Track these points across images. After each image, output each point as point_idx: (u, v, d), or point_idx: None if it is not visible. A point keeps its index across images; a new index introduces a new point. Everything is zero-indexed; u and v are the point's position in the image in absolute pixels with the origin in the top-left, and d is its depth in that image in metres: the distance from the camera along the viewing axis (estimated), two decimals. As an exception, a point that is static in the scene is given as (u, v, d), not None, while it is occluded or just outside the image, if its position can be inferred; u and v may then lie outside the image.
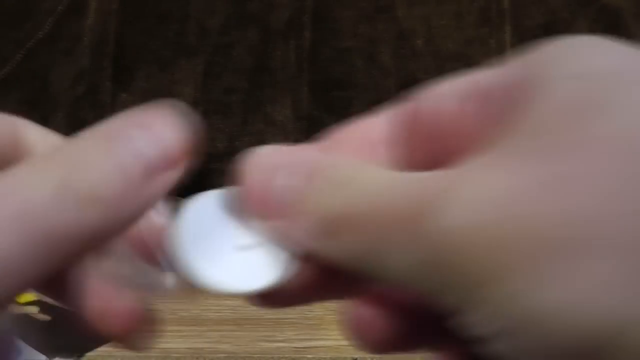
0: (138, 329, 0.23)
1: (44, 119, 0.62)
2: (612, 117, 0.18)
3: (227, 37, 0.62)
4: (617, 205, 0.17)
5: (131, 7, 0.63)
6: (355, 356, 0.37)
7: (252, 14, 0.62)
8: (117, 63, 0.62)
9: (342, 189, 0.20)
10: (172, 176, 0.22)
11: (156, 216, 0.22)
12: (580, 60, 0.20)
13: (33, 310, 0.42)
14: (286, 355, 0.37)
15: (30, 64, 0.62)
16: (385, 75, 0.61)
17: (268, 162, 0.22)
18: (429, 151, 0.22)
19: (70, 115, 0.62)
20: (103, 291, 0.23)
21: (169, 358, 0.37)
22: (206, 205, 0.22)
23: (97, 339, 0.38)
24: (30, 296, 0.43)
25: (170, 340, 0.39)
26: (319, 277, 0.22)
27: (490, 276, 0.18)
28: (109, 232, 0.20)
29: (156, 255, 0.22)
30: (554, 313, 0.17)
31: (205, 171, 0.67)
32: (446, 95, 0.22)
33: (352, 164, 0.21)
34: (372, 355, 0.38)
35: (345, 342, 0.39)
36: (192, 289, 0.20)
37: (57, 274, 0.19)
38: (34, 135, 0.23)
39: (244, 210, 0.21)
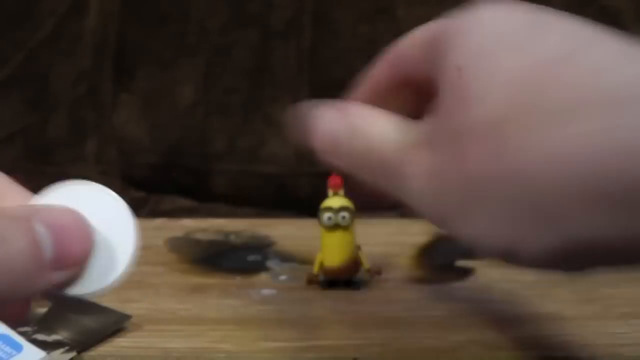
0: None
1: (44, 119, 0.62)
2: (473, 109, 0.24)
3: (227, 37, 0.62)
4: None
5: (132, 8, 0.63)
6: (356, 356, 0.37)
7: (252, 14, 0.62)
8: (117, 63, 0.63)
9: (357, 136, 0.29)
10: (64, 276, 0.25)
11: None
12: (462, 44, 0.25)
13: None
14: (286, 355, 0.37)
15: (31, 64, 0.62)
16: (386, 75, 0.61)
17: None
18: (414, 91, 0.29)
19: (71, 115, 0.62)
20: None
21: (169, 358, 0.37)
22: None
23: (98, 330, 0.38)
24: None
25: (170, 340, 0.39)
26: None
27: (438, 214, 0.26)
28: (10, 300, 0.25)
29: None
30: None
31: (205, 171, 0.67)
32: (408, 44, 0.30)
33: (362, 120, 0.29)
34: (372, 355, 0.38)
35: (345, 342, 0.39)
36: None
37: None
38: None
39: None
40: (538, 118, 0.22)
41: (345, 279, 0.43)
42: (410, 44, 0.30)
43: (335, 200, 0.42)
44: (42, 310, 0.40)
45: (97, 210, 0.25)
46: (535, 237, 0.23)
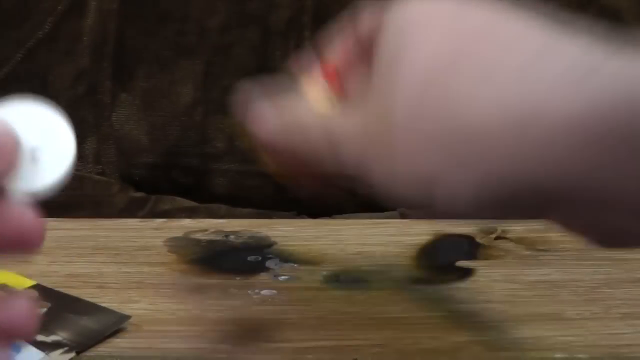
0: None
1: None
2: (400, 70, 0.28)
3: (227, 37, 0.62)
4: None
5: (131, 7, 0.63)
6: (356, 357, 0.37)
7: (252, 14, 0.62)
8: (117, 63, 0.62)
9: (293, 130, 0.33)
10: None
11: None
12: (395, 22, 0.30)
13: (33, 295, 0.42)
14: (286, 356, 0.37)
15: (30, 63, 0.62)
16: (385, 75, 0.61)
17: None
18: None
19: (70, 114, 0.62)
20: None
21: (168, 358, 0.37)
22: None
23: (98, 331, 0.38)
24: (29, 281, 0.43)
25: (170, 340, 0.39)
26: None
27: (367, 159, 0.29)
28: None
29: None
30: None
31: (205, 171, 0.67)
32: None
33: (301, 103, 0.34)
34: (372, 356, 0.38)
35: (345, 343, 0.39)
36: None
37: None
38: None
39: None
40: (459, 80, 0.27)
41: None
42: (366, 20, 0.34)
43: (319, 91, 0.35)
44: (41, 310, 0.40)
45: (33, 121, 0.28)
46: (456, 171, 0.26)
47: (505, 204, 0.27)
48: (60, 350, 0.37)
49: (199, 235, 0.51)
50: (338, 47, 0.36)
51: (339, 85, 0.35)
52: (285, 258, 0.48)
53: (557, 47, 0.26)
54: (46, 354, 0.37)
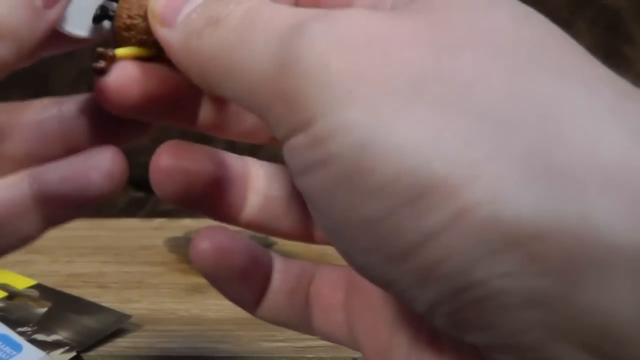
0: None
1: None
2: None
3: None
4: (445, 63, 0.19)
5: (131, 7, 0.63)
6: (355, 356, 0.37)
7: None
8: (117, 63, 0.63)
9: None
10: (56, 12, 0.25)
11: None
12: None
13: (33, 294, 0.42)
14: (286, 355, 0.37)
15: (31, 64, 0.62)
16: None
17: None
18: None
19: (71, 115, 0.62)
20: None
21: (169, 357, 0.37)
22: None
23: (97, 331, 0.38)
24: (30, 280, 0.43)
25: (171, 340, 0.39)
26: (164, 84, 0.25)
27: (332, 99, 0.18)
28: (17, 62, 0.25)
29: None
30: (389, 147, 0.18)
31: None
32: None
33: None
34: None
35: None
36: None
37: None
38: None
39: None
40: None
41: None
42: None
43: None
44: (42, 310, 0.40)
45: None
46: None
47: None
48: (61, 350, 0.37)
49: (199, 235, 0.51)
50: None
51: None
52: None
53: None
54: (47, 353, 0.37)
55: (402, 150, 0.18)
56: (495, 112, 0.18)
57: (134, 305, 0.42)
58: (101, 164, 0.26)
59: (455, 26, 0.19)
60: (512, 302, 0.18)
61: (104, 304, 0.41)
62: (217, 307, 0.42)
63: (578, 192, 0.17)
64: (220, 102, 0.27)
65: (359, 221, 0.19)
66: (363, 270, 0.20)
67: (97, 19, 0.27)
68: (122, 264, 0.47)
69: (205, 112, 0.27)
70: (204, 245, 0.26)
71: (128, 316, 0.40)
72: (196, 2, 0.22)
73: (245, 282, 0.26)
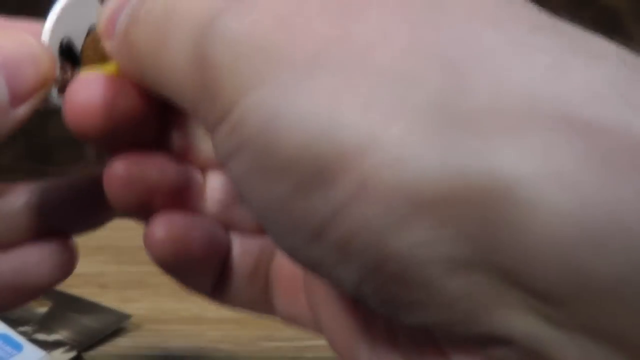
0: None
1: (45, 119, 0.62)
2: None
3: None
4: (350, 27, 0.18)
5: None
6: (355, 356, 0.37)
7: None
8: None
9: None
10: (26, 108, 0.26)
11: None
12: None
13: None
14: (286, 355, 0.37)
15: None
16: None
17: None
18: None
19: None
20: None
21: (169, 358, 0.37)
22: None
23: (98, 329, 0.38)
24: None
25: (170, 340, 0.39)
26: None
27: (243, 84, 0.18)
28: None
29: None
30: (291, 121, 0.17)
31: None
32: None
33: None
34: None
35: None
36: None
37: None
38: None
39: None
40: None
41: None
42: None
43: None
44: (42, 310, 0.40)
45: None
46: None
47: None
48: (61, 349, 0.37)
49: (199, 235, 0.51)
50: None
51: None
52: (286, 258, 0.48)
53: None
54: (47, 352, 0.37)
55: (303, 122, 0.17)
56: (395, 69, 0.17)
57: (134, 305, 0.42)
58: (53, 257, 0.27)
59: None
60: (434, 274, 0.17)
61: (104, 304, 0.41)
62: (217, 306, 0.42)
63: (483, 144, 0.16)
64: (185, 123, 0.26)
65: (275, 202, 0.18)
66: (291, 253, 0.19)
67: (63, 52, 0.27)
68: (122, 264, 0.47)
69: (176, 136, 0.26)
70: (159, 234, 0.26)
71: (128, 316, 0.40)
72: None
73: (203, 270, 0.26)
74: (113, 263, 0.47)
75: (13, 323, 0.39)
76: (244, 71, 0.18)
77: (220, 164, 0.20)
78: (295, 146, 0.17)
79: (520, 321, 0.17)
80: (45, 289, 0.27)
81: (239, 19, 0.19)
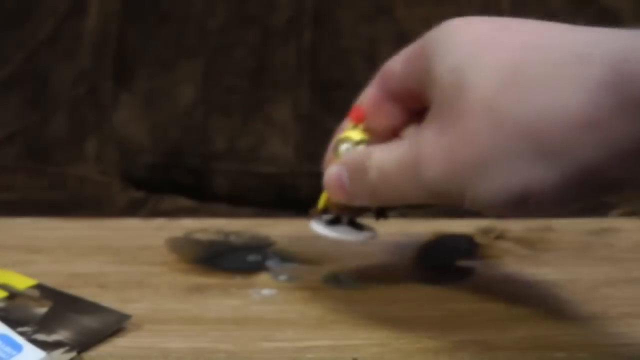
0: None
1: (44, 119, 0.62)
2: (470, 94, 0.32)
3: (227, 37, 0.62)
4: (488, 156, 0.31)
5: (132, 7, 0.63)
6: (355, 356, 0.37)
7: (252, 14, 0.62)
8: (117, 63, 0.63)
9: (367, 174, 0.37)
10: None
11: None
12: (451, 50, 0.33)
13: (34, 294, 0.42)
14: (286, 355, 0.37)
15: (31, 64, 0.62)
16: (386, 75, 0.61)
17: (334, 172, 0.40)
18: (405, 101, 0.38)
19: (71, 115, 0.62)
20: None
21: (169, 358, 0.37)
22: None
23: (100, 330, 0.38)
24: (30, 280, 0.43)
25: (171, 340, 0.39)
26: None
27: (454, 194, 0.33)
28: None
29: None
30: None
31: (205, 171, 0.67)
32: (394, 64, 0.38)
33: (363, 159, 0.38)
34: (371, 355, 0.38)
35: (344, 342, 0.39)
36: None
37: None
38: None
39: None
40: (522, 90, 0.31)
41: (351, 216, 0.42)
42: (394, 64, 0.38)
43: (355, 133, 0.41)
44: (42, 310, 0.40)
45: None
46: (544, 174, 0.30)
47: (588, 194, 0.31)
48: (61, 350, 0.37)
49: (199, 235, 0.51)
50: (367, 91, 0.41)
51: (367, 124, 0.40)
52: (285, 258, 0.48)
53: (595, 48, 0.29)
54: (47, 353, 0.37)
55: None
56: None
57: (134, 305, 0.42)
58: None
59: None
60: None
61: (104, 304, 0.41)
62: (217, 307, 0.42)
63: None
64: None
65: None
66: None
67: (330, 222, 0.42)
68: (122, 264, 0.47)
69: None
70: None
71: (128, 316, 0.40)
72: (344, 174, 0.39)
73: None
74: (113, 263, 0.47)
75: (13, 323, 0.38)
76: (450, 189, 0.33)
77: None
78: None
79: None
80: None
81: (426, 169, 0.34)
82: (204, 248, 0.49)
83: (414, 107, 0.38)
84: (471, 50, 0.33)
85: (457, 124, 0.32)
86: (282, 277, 0.45)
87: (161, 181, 0.62)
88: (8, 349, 0.37)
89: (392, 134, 0.40)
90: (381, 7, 0.62)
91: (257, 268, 0.47)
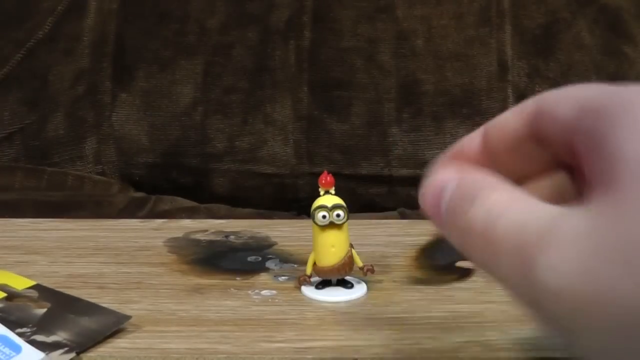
0: None
1: (43, 119, 0.62)
2: None
3: (227, 37, 0.62)
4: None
5: (131, 7, 0.63)
6: (356, 357, 0.37)
7: (252, 14, 0.62)
8: (117, 63, 0.62)
9: (472, 206, 0.26)
10: None
11: None
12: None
13: (33, 295, 0.42)
14: (286, 356, 0.37)
15: (30, 63, 0.62)
16: (385, 75, 0.61)
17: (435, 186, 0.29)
18: (543, 153, 0.28)
19: (70, 115, 0.62)
20: None
21: (169, 358, 0.37)
22: None
23: (98, 330, 0.38)
24: (29, 281, 0.43)
25: (170, 341, 0.39)
26: None
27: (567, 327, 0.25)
28: None
29: None
30: None
31: (205, 171, 0.67)
32: (561, 104, 0.27)
33: (480, 186, 0.27)
34: (372, 356, 0.38)
35: (345, 343, 0.39)
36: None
37: None
38: None
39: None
40: None
41: (338, 278, 0.43)
42: (558, 101, 0.28)
43: (328, 199, 0.42)
44: (41, 311, 0.40)
45: None
46: None
47: None
48: (61, 351, 0.37)
49: (199, 236, 0.51)
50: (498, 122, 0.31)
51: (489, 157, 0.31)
52: (285, 258, 0.48)
53: None
54: (46, 354, 0.37)
55: None
56: None
57: (133, 305, 0.42)
58: None
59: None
60: None
61: (104, 305, 0.41)
62: (216, 307, 0.42)
63: None
64: None
65: None
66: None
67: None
68: (121, 265, 0.47)
69: None
70: None
71: (128, 317, 0.40)
72: (446, 196, 0.28)
73: None
74: (112, 264, 0.47)
75: (12, 324, 0.38)
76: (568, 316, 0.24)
77: None
78: None
79: None
80: None
81: (555, 260, 0.23)
82: (204, 248, 0.49)
83: (560, 161, 0.29)
84: None
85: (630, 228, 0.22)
86: (282, 278, 0.45)
87: (160, 181, 0.62)
88: (7, 350, 0.37)
89: (515, 179, 0.29)
90: (381, 7, 0.62)
91: (257, 268, 0.47)
